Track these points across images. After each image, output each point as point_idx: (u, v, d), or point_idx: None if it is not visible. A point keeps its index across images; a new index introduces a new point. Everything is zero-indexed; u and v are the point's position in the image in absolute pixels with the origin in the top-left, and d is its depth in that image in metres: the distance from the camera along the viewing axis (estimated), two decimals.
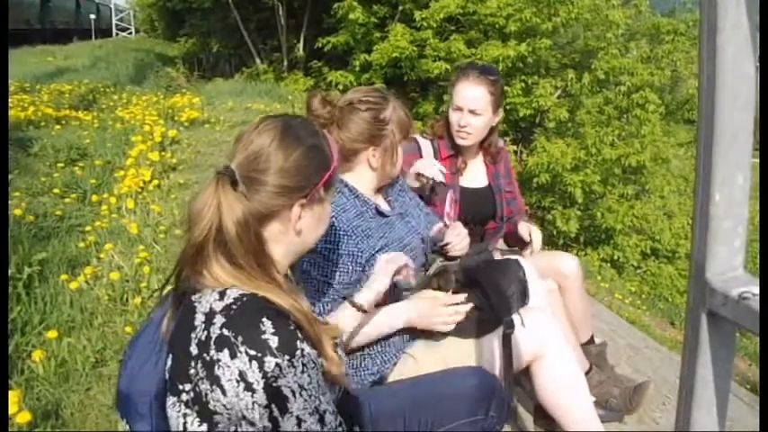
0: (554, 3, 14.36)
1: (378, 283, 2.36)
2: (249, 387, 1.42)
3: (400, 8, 15.73)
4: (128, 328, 3.56)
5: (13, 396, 2.64)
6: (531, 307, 2.59)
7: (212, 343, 1.46)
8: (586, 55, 15.87)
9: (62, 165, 6.82)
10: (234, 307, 1.49)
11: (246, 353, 1.43)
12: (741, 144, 0.80)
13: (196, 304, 1.54)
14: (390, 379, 2.49)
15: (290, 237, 1.70)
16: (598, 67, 14.82)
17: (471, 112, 3.22)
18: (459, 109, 3.22)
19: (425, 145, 3.38)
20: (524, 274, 2.61)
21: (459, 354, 2.49)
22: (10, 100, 9.27)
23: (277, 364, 1.43)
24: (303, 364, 1.47)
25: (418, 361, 2.49)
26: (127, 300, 3.91)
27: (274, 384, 1.42)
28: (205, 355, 1.46)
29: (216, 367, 1.44)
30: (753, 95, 0.79)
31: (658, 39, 15.92)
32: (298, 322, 1.54)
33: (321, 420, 1.47)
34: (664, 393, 3.75)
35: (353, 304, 2.30)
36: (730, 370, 0.87)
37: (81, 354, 3.35)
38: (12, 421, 2.58)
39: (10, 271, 3.83)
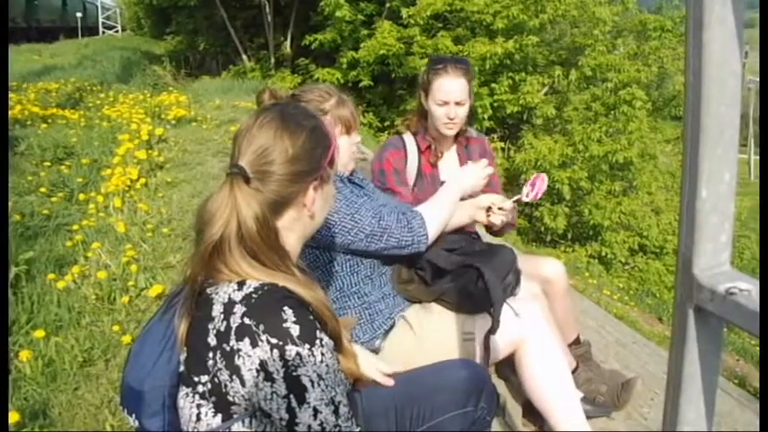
0: (541, 0, 14.40)
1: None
2: (269, 377, 1.43)
3: (387, 5, 15.74)
4: (115, 327, 3.55)
5: None
6: (518, 296, 2.64)
7: (233, 333, 1.47)
8: (573, 52, 15.97)
9: (49, 163, 6.78)
10: (255, 296, 1.51)
11: (268, 341, 1.44)
12: (727, 140, 0.80)
13: (213, 296, 1.55)
14: (386, 348, 2.54)
15: (303, 222, 1.73)
16: (585, 63, 14.91)
17: (457, 103, 3.28)
18: (446, 103, 3.27)
19: (409, 140, 3.42)
20: (517, 263, 2.67)
21: (453, 321, 2.57)
22: None
23: (298, 353, 1.44)
24: (322, 354, 1.48)
25: (413, 327, 2.56)
26: (114, 299, 3.89)
27: (294, 374, 1.44)
28: (225, 345, 1.47)
29: (236, 357, 1.45)
30: (739, 91, 0.80)
31: (645, 35, 16.03)
32: (317, 312, 1.56)
33: (336, 412, 1.48)
34: (652, 389, 3.77)
35: None
36: (718, 365, 0.87)
37: (68, 353, 3.34)
38: None
39: None
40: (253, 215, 1.56)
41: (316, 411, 1.45)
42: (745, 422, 4.06)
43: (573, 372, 3.18)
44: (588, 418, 2.65)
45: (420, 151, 3.40)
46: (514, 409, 3.12)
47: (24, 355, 3.19)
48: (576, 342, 3.46)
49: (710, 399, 0.88)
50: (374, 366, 2.16)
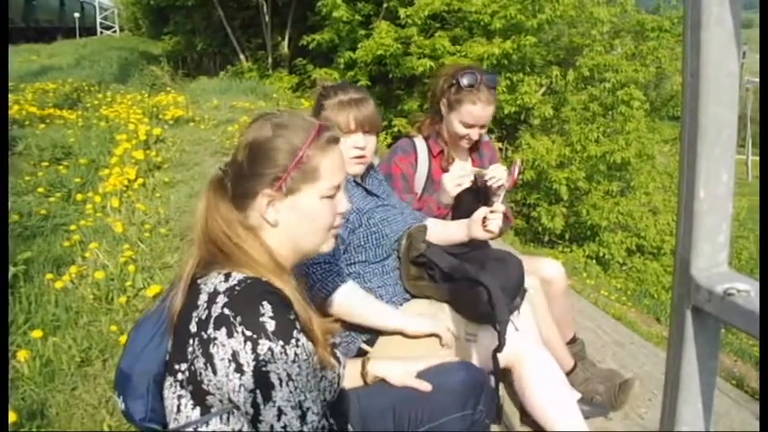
0: (539, 0, 14.37)
1: None
2: (239, 368, 1.43)
3: (385, 5, 15.68)
4: (113, 327, 3.55)
5: None
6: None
7: (211, 322, 1.48)
8: (571, 52, 15.93)
9: (46, 164, 6.78)
10: (237, 288, 1.52)
11: (243, 333, 1.44)
12: (725, 140, 0.80)
13: (202, 286, 1.57)
14: (380, 341, 2.53)
15: (270, 228, 1.68)
16: (583, 64, 14.88)
17: (482, 126, 3.31)
18: (473, 126, 3.27)
19: (420, 144, 3.40)
20: (524, 276, 2.66)
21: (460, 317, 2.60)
22: None
23: (270, 349, 1.44)
24: (296, 354, 1.47)
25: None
26: (112, 299, 3.90)
27: (263, 369, 1.43)
28: (203, 333, 1.48)
29: (211, 345, 1.46)
30: (736, 92, 0.80)
31: (643, 36, 15.98)
32: (298, 313, 1.55)
33: (302, 417, 1.45)
34: (650, 389, 3.77)
35: None
36: (715, 366, 0.87)
37: (66, 353, 3.34)
38: None
39: None
40: (221, 216, 1.64)
41: (280, 412, 1.43)
42: (743, 422, 4.06)
43: (570, 372, 3.19)
44: (585, 418, 2.65)
45: (432, 156, 3.39)
46: (513, 411, 3.12)
47: (22, 355, 3.19)
48: (572, 341, 3.47)
49: (708, 399, 0.88)
50: (409, 371, 2.13)
